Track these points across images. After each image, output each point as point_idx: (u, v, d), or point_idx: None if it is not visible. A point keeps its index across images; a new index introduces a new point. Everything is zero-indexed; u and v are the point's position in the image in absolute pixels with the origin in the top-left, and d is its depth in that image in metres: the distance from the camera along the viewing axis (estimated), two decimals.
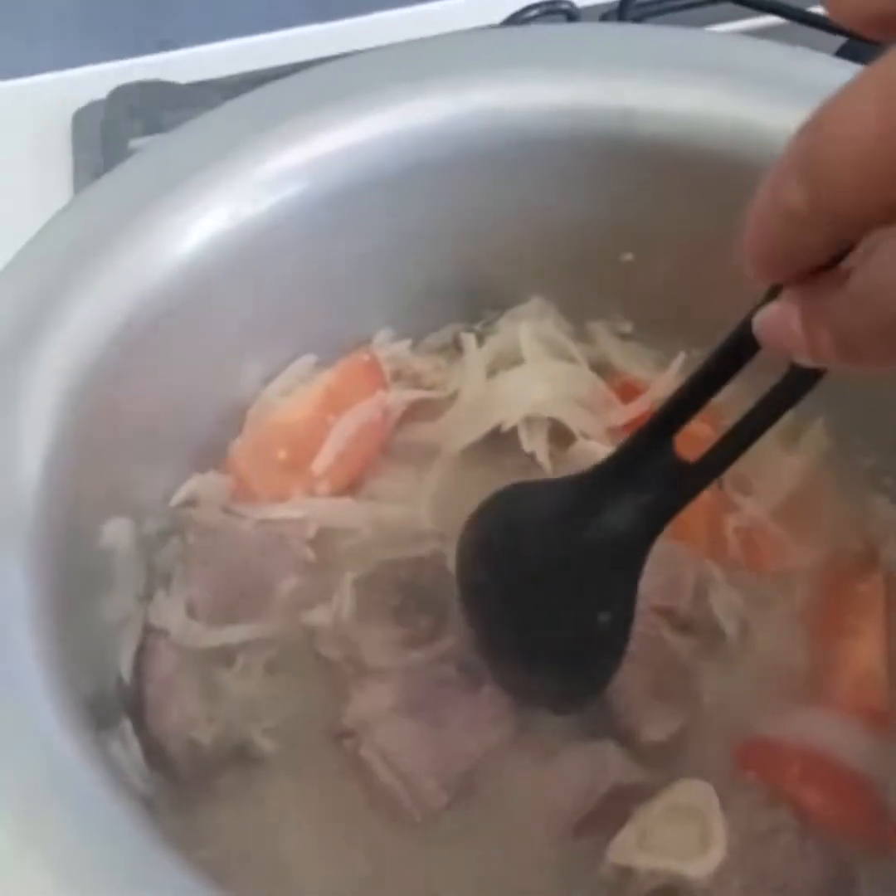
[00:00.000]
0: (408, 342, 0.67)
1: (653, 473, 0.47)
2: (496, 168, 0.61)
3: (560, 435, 0.63)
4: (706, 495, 0.50)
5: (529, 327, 0.65)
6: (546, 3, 0.86)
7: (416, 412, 0.65)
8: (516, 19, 0.85)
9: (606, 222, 0.63)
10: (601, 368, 0.66)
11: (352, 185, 0.59)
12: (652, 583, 0.52)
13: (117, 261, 0.53)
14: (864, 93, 0.29)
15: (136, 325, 0.53)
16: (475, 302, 0.67)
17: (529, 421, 0.63)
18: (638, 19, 0.85)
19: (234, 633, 0.56)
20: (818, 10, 0.83)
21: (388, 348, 0.66)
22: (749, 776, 0.53)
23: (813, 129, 0.30)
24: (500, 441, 0.63)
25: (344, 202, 0.59)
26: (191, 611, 0.57)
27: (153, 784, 0.53)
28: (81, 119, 0.86)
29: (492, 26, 0.85)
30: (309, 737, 0.55)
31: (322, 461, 0.61)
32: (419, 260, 0.64)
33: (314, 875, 0.52)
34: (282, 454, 0.61)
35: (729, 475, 0.52)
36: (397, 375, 0.66)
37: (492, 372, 0.65)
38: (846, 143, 0.29)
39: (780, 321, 0.35)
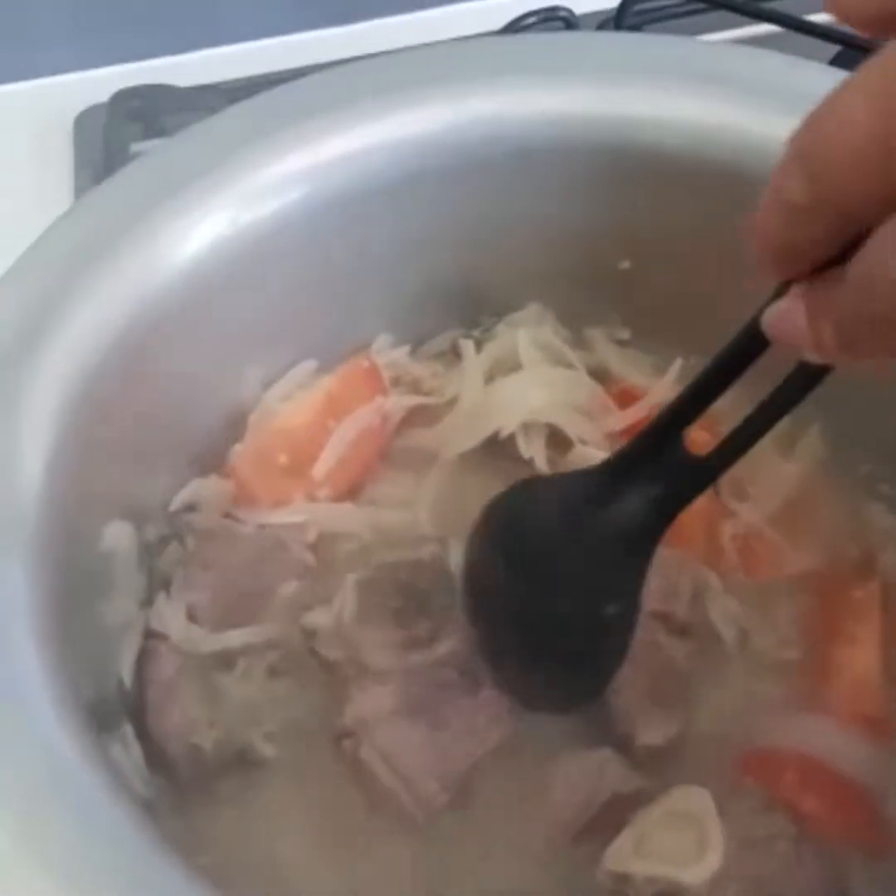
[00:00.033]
0: (407, 348, 0.67)
1: (663, 467, 0.48)
2: (495, 175, 0.61)
3: (558, 441, 0.63)
4: (703, 502, 0.51)
5: (528, 334, 0.65)
6: (544, 11, 0.86)
7: (415, 418, 0.65)
8: (515, 26, 0.85)
9: (604, 230, 0.63)
10: (599, 375, 0.66)
11: (352, 192, 0.59)
12: (649, 588, 0.52)
13: (119, 265, 0.53)
14: (858, 90, 0.30)
15: (137, 330, 0.54)
16: (474, 308, 0.67)
17: (527, 427, 0.63)
18: (635, 27, 0.85)
19: (234, 638, 0.56)
20: (814, 18, 0.84)
21: (387, 354, 0.66)
22: (746, 782, 0.53)
23: (811, 125, 0.31)
24: (498, 447, 0.63)
25: (344, 209, 0.59)
26: (191, 615, 0.57)
27: (154, 787, 0.53)
28: (83, 122, 0.86)
29: (490, 33, 0.85)
30: (309, 740, 0.55)
31: (322, 466, 0.61)
32: (418, 266, 0.64)
33: (314, 879, 0.52)
34: (282, 459, 0.61)
35: (725, 482, 0.52)
36: (396, 381, 0.66)
37: (490, 378, 0.65)
38: (842, 139, 0.30)
39: (787, 317, 0.36)
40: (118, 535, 0.56)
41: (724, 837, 0.50)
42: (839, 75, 0.57)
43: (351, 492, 0.63)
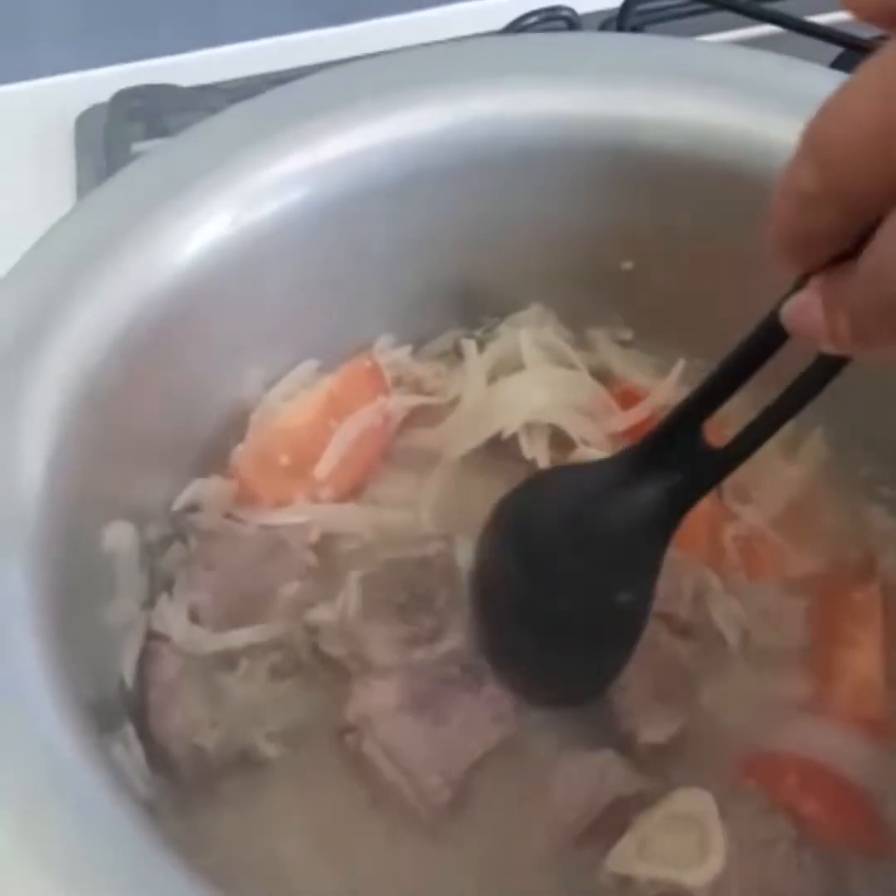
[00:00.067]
0: (409, 348, 0.67)
1: (682, 456, 0.48)
2: (496, 176, 0.61)
3: (560, 441, 0.63)
4: (706, 504, 0.51)
5: (530, 334, 0.65)
6: (546, 10, 0.86)
7: (417, 418, 0.65)
8: (516, 26, 0.85)
9: (606, 230, 0.63)
10: (601, 375, 0.66)
11: (353, 192, 0.59)
12: None
13: (120, 266, 0.53)
14: (866, 82, 0.31)
15: (138, 330, 0.54)
16: (476, 308, 0.67)
17: (530, 427, 0.63)
18: (638, 27, 0.85)
19: (236, 638, 0.56)
20: (816, 19, 0.84)
21: (389, 354, 0.66)
22: (748, 785, 0.53)
23: (820, 118, 0.32)
24: (500, 447, 0.63)
25: (345, 209, 0.59)
26: (193, 616, 0.57)
27: (155, 788, 0.53)
28: (84, 122, 0.86)
29: (492, 33, 0.85)
30: (312, 741, 0.55)
31: (324, 466, 0.61)
32: (420, 266, 0.64)
33: (316, 879, 0.52)
34: (284, 459, 0.61)
35: (728, 484, 0.52)
36: (398, 381, 0.66)
37: (492, 378, 0.65)
38: (849, 129, 0.32)
39: (805, 309, 0.37)
40: (119, 536, 0.56)
41: (725, 840, 0.50)
42: (838, 77, 0.58)
43: (353, 492, 0.63)
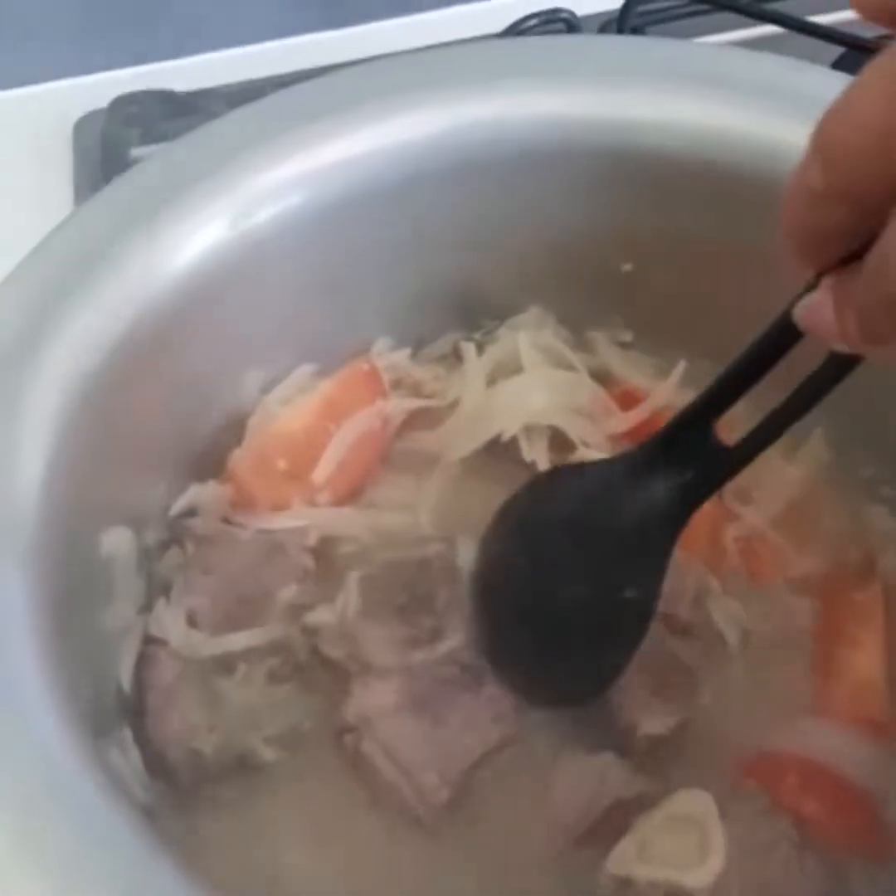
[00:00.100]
0: (407, 351, 0.67)
1: (694, 454, 0.49)
2: (495, 179, 0.61)
3: (560, 443, 0.63)
4: (706, 504, 0.51)
5: (529, 336, 0.65)
6: (546, 13, 0.86)
7: (416, 421, 0.65)
8: (516, 29, 0.85)
9: (606, 233, 0.63)
10: (601, 377, 0.66)
11: (352, 196, 0.59)
12: None
13: (119, 270, 0.54)
14: (870, 83, 0.32)
15: (137, 334, 0.54)
16: (474, 311, 0.67)
17: (529, 430, 0.63)
18: (638, 28, 0.85)
19: (234, 641, 0.56)
20: (817, 19, 0.84)
21: (388, 357, 0.66)
22: (748, 785, 0.53)
23: (826, 118, 0.33)
24: (500, 450, 0.63)
25: (344, 212, 0.59)
26: (191, 620, 0.57)
27: (153, 793, 0.53)
28: (82, 128, 0.86)
29: (492, 35, 0.85)
30: (310, 744, 0.55)
31: (322, 470, 0.61)
32: (419, 269, 0.64)
33: (315, 883, 0.52)
34: (282, 463, 0.61)
35: (729, 485, 0.52)
36: (397, 384, 0.66)
37: (491, 381, 0.65)
38: (853, 128, 0.32)
39: (817, 309, 0.37)
40: (117, 540, 0.56)
41: (726, 841, 0.50)
42: (840, 78, 0.58)
43: (351, 495, 0.63)
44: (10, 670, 0.44)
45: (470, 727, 0.54)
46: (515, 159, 0.60)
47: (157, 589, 0.58)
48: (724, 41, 0.86)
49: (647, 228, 0.62)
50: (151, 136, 0.83)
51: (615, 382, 0.66)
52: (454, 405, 0.65)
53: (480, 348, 0.66)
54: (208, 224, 0.56)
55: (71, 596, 0.49)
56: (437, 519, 0.62)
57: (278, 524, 0.60)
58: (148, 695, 0.55)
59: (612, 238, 0.63)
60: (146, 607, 0.58)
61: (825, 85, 0.58)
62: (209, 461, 0.61)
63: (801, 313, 0.39)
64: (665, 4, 0.87)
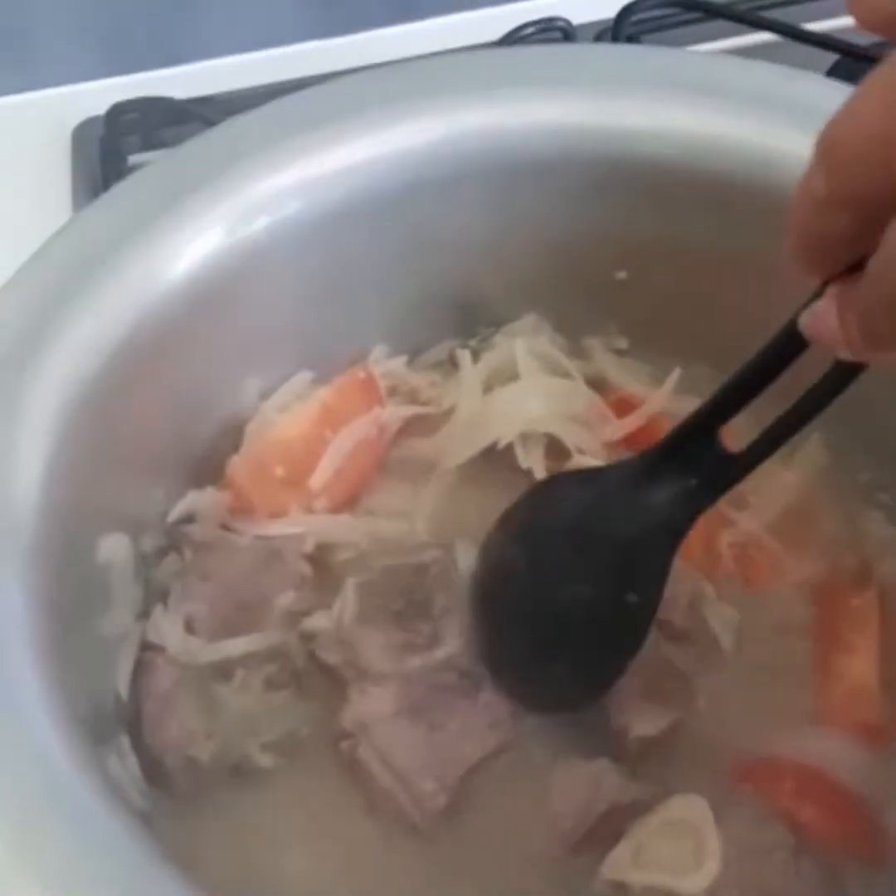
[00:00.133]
0: (404, 358, 0.67)
1: (698, 461, 0.49)
2: (492, 187, 0.61)
3: (556, 450, 0.63)
4: None
5: (525, 343, 0.65)
6: (542, 21, 0.86)
7: (412, 428, 0.65)
8: (512, 37, 0.85)
9: (601, 240, 0.63)
10: (597, 384, 0.66)
11: (350, 204, 0.59)
12: None
13: (118, 277, 0.54)
14: (870, 90, 0.33)
15: (135, 340, 0.54)
16: (471, 318, 0.67)
17: (526, 437, 0.63)
18: (634, 36, 0.85)
19: (232, 647, 0.56)
20: (812, 27, 0.84)
21: (385, 364, 0.66)
22: (744, 790, 0.53)
23: (829, 127, 0.34)
24: (496, 457, 0.63)
25: (341, 220, 0.59)
26: (189, 627, 0.57)
27: (151, 799, 0.53)
28: (81, 134, 0.86)
29: (488, 44, 0.85)
30: (307, 750, 0.55)
31: (319, 477, 0.61)
32: (415, 277, 0.64)
33: (313, 888, 0.52)
34: (279, 470, 0.61)
35: None
36: (393, 391, 0.66)
37: (488, 388, 0.65)
38: (853, 135, 0.33)
39: (822, 317, 0.38)
40: (115, 547, 0.56)
41: (721, 846, 0.50)
42: (835, 86, 0.58)
43: (348, 502, 0.63)
44: (7, 676, 0.44)
45: (467, 733, 0.54)
46: (512, 167, 0.60)
47: (154, 595, 0.58)
48: (718, 49, 0.87)
49: (643, 236, 0.62)
50: (150, 143, 0.83)
51: (611, 389, 0.66)
52: (450, 412, 0.65)
53: (476, 355, 0.66)
54: (207, 231, 0.56)
55: (68, 602, 0.49)
56: (434, 526, 0.62)
57: (276, 531, 0.60)
58: (145, 701, 0.55)
59: (607, 245, 0.63)
60: (144, 614, 0.58)
61: (819, 92, 0.58)
62: (207, 468, 0.61)
63: (806, 321, 0.40)
64: (660, 13, 0.87)
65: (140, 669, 0.56)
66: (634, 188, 0.60)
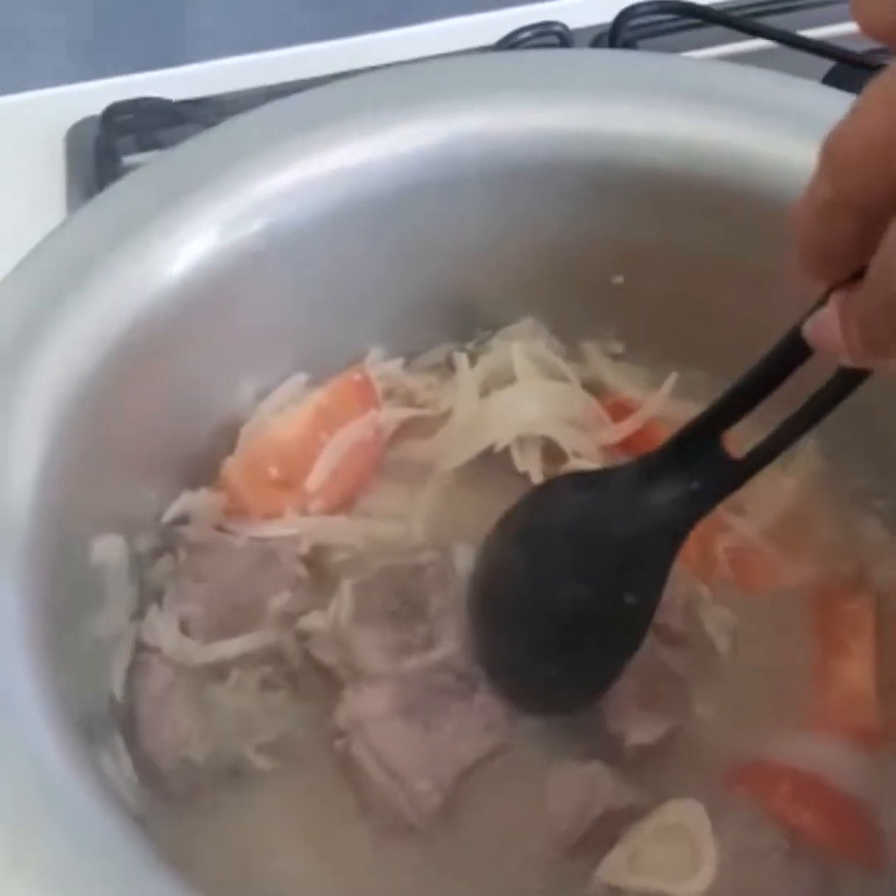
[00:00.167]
0: (400, 361, 0.67)
1: (701, 465, 0.49)
2: (489, 190, 0.61)
3: (553, 454, 0.63)
4: None
5: (522, 347, 0.65)
6: (538, 26, 0.86)
7: (409, 430, 0.65)
8: (509, 42, 0.85)
9: (598, 244, 0.63)
10: (593, 387, 0.66)
11: (346, 207, 0.59)
12: None
13: (113, 276, 0.54)
14: (872, 96, 0.33)
15: (130, 340, 0.54)
16: (468, 321, 0.67)
17: (522, 440, 0.63)
18: (630, 41, 0.85)
19: (227, 648, 0.56)
20: (808, 34, 0.84)
21: (381, 367, 0.66)
22: (740, 795, 0.53)
23: (834, 132, 0.35)
24: (493, 460, 0.63)
25: (337, 223, 0.59)
26: (184, 628, 0.57)
27: (145, 800, 0.53)
28: (75, 135, 0.86)
29: (485, 48, 0.85)
30: (302, 751, 0.55)
31: (315, 479, 0.61)
32: (412, 279, 0.64)
33: (307, 890, 0.52)
34: (274, 472, 0.61)
35: None
36: (390, 393, 0.66)
37: (484, 391, 0.65)
38: (855, 138, 0.34)
39: (825, 324, 0.38)
40: (109, 548, 0.56)
41: (717, 851, 0.50)
42: (831, 93, 0.59)
43: (344, 504, 0.63)
44: (1, 676, 0.44)
45: (462, 734, 0.54)
46: (508, 171, 0.60)
47: (149, 596, 0.58)
48: (715, 55, 0.87)
49: (639, 240, 0.62)
50: (145, 145, 0.83)
51: (607, 393, 0.66)
52: (447, 415, 0.65)
53: (473, 358, 0.66)
54: (203, 232, 0.56)
55: (63, 602, 0.49)
56: (431, 528, 0.62)
57: (271, 532, 0.60)
58: (140, 702, 0.55)
59: (603, 250, 0.63)
60: (138, 614, 0.58)
61: (815, 99, 0.58)
62: (202, 469, 0.61)
63: (810, 329, 0.40)
64: (657, 18, 0.87)
65: (135, 670, 0.56)
66: (630, 193, 0.61)
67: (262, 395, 0.63)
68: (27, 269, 0.53)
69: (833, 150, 0.34)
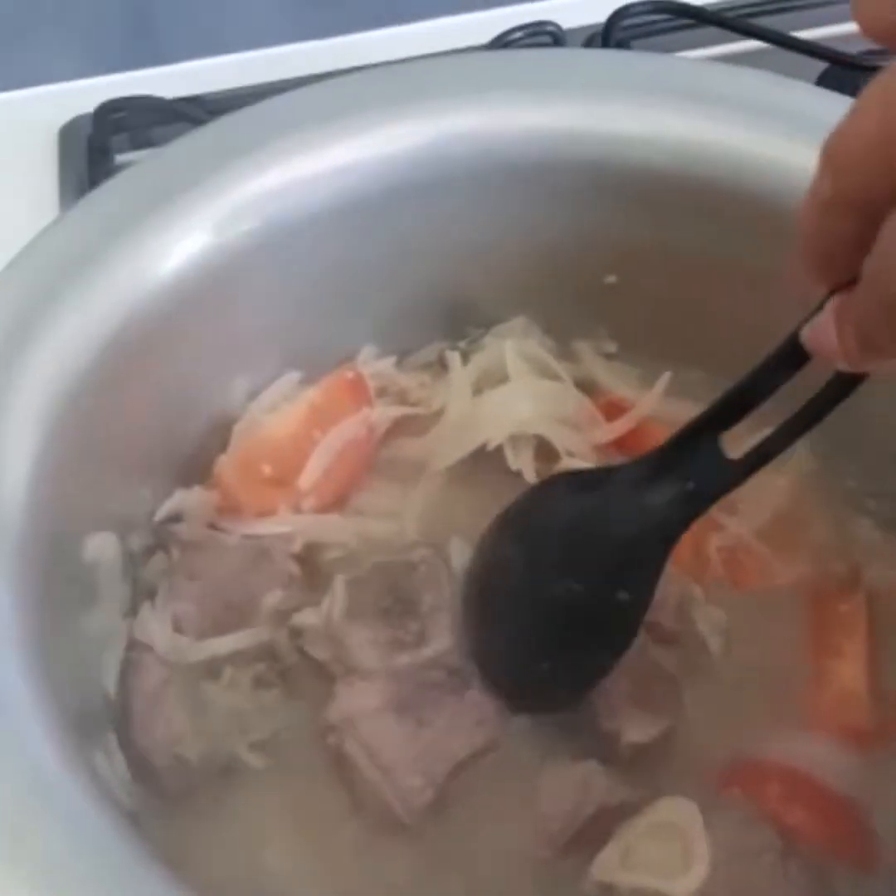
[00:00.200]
0: (393, 359, 0.67)
1: (699, 465, 0.49)
2: (481, 190, 0.61)
3: (546, 452, 0.63)
4: None
5: (514, 345, 0.65)
6: (531, 25, 0.86)
7: (402, 429, 0.65)
8: (501, 41, 0.85)
9: (590, 244, 0.63)
10: (586, 386, 0.66)
11: (339, 205, 0.59)
12: None
13: (105, 274, 0.54)
14: (871, 96, 0.34)
15: (123, 339, 0.54)
16: (460, 320, 0.67)
17: (515, 439, 0.63)
18: (623, 41, 0.85)
19: (220, 645, 0.56)
20: (801, 35, 0.84)
21: (373, 365, 0.66)
22: (732, 793, 0.53)
23: (834, 133, 0.35)
24: (486, 459, 0.63)
25: (330, 221, 0.59)
26: (177, 626, 0.57)
27: (139, 798, 0.53)
28: (68, 133, 0.86)
29: (478, 47, 0.85)
30: (295, 749, 0.55)
31: (308, 477, 0.61)
32: (405, 278, 0.64)
33: (300, 886, 0.52)
34: (267, 470, 0.61)
35: None
36: (382, 392, 0.66)
37: (477, 390, 0.65)
38: (854, 138, 0.35)
39: (822, 329, 0.39)
40: (102, 545, 0.56)
41: (710, 849, 0.50)
42: (824, 94, 0.59)
43: (337, 502, 0.63)
44: None
45: (454, 730, 0.54)
46: (501, 171, 0.60)
47: (142, 594, 0.58)
48: (708, 55, 0.87)
49: (632, 240, 0.62)
50: (138, 143, 0.83)
51: (600, 392, 0.66)
52: (440, 413, 0.65)
53: (466, 357, 0.66)
54: (195, 231, 0.56)
55: (56, 600, 0.49)
56: (423, 527, 0.62)
57: (264, 530, 0.60)
58: (133, 700, 0.55)
59: (596, 250, 0.63)
60: (131, 612, 0.58)
61: (808, 100, 0.58)
62: (195, 467, 0.61)
63: (807, 334, 0.41)
64: (650, 19, 0.87)
65: (128, 668, 0.56)
66: (623, 193, 0.61)
67: (254, 393, 0.63)
68: (20, 267, 0.53)
69: (833, 150, 0.35)
